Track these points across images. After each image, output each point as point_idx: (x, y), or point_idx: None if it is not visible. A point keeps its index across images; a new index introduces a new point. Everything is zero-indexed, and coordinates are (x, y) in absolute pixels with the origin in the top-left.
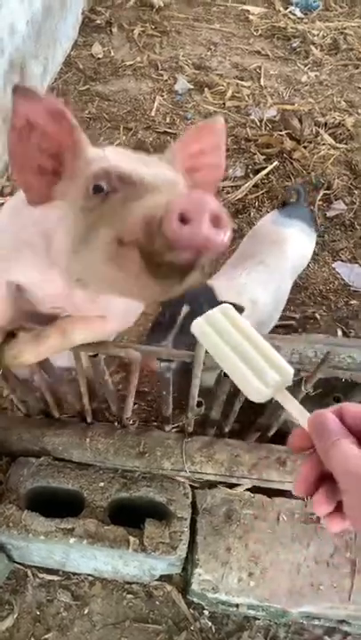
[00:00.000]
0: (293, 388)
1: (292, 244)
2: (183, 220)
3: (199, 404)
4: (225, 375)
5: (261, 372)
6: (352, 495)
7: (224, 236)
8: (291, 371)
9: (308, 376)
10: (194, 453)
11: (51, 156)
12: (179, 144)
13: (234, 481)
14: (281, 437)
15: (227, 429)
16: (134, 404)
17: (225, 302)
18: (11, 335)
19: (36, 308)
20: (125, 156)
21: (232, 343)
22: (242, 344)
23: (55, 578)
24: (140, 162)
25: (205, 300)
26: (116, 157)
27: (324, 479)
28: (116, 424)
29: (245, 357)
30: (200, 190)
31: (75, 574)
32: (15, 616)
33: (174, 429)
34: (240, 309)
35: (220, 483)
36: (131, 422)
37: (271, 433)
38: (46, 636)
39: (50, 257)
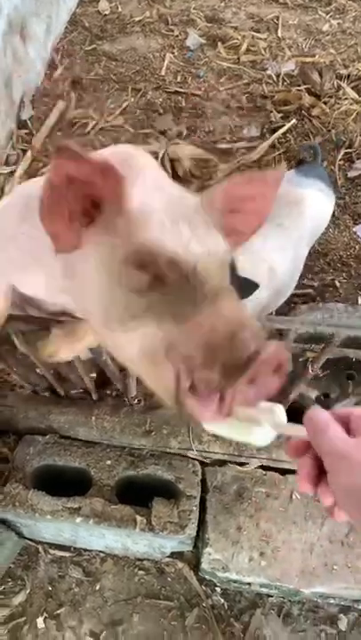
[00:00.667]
0: (301, 370)
1: (310, 204)
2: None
3: None
4: None
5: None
6: (334, 474)
7: (277, 384)
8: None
9: (314, 357)
10: (201, 432)
11: (87, 202)
12: (223, 192)
13: (243, 460)
14: (294, 414)
15: None
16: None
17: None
18: (45, 329)
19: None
20: (172, 214)
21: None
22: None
23: (66, 554)
24: (187, 225)
25: None
26: (160, 220)
27: (325, 473)
28: (125, 401)
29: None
30: (275, 345)
31: (86, 551)
32: (27, 591)
33: None
34: (255, 286)
35: (227, 461)
36: (136, 401)
37: None
38: (58, 612)
39: (65, 285)
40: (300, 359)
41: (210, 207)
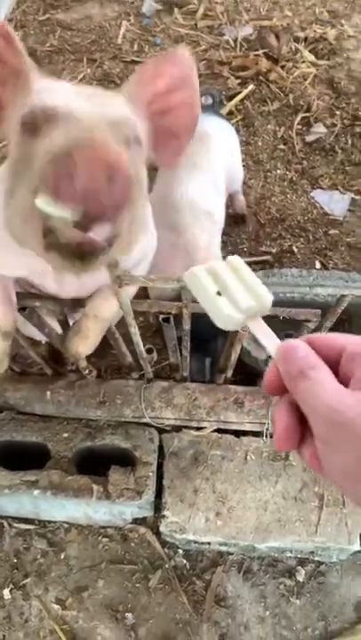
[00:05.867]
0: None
1: (215, 139)
2: (68, 175)
3: (150, 351)
4: (165, 320)
5: (236, 300)
6: (327, 445)
7: (119, 196)
8: (269, 298)
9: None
10: (153, 399)
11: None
12: (139, 77)
13: (194, 424)
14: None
15: (185, 373)
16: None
17: None
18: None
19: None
20: (75, 90)
21: (214, 275)
22: (224, 274)
23: (31, 527)
24: (85, 97)
25: None
26: (58, 90)
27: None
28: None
29: (223, 287)
30: (92, 135)
31: (50, 522)
32: None
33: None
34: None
35: (183, 427)
36: (87, 372)
37: (229, 374)
38: (24, 582)
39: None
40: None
41: (131, 99)
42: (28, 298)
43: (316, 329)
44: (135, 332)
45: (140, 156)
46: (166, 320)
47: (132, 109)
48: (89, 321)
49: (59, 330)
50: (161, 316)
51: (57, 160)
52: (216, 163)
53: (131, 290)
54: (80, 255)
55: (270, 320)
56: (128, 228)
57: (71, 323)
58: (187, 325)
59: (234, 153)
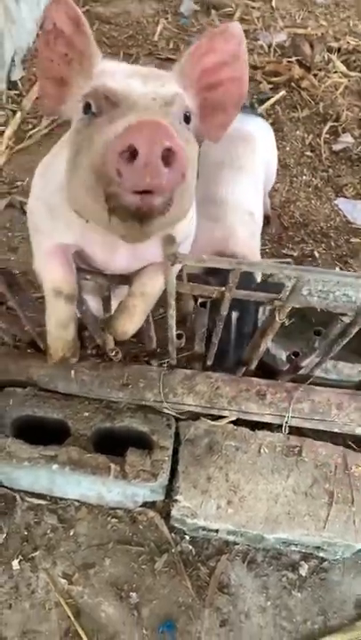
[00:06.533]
0: (270, 320)
1: (258, 140)
2: (130, 155)
3: (179, 337)
4: (202, 305)
5: None
6: None
7: (175, 177)
8: None
9: (280, 305)
10: (176, 385)
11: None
12: (191, 54)
13: (214, 412)
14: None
15: (209, 362)
16: None
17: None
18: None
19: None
20: (131, 71)
21: None
22: None
23: (43, 502)
24: (142, 78)
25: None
26: (117, 73)
27: None
28: (105, 356)
29: None
30: (151, 119)
31: (61, 499)
32: (4, 536)
33: (164, 364)
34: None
35: (203, 415)
36: (113, 354)
37: (253, 366)
38: (33, 555)
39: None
40: (270, 307)
41: (182, 76)
42: (79, 271)
43: (351, 324)
44: (173, 314)
45: (190, 133)
46: (203, 305)
47: (183, 86)
48: (136, 299)
49: (94, 311)
50: (200, 300)
51: (118, 147)
52: (259, 164)
53: (175, 269)
54: (139, 217)
55: (300, 313)
56: (180, 198)
57: (113, 304)
58: (225, 311)
59: (273, 153)
